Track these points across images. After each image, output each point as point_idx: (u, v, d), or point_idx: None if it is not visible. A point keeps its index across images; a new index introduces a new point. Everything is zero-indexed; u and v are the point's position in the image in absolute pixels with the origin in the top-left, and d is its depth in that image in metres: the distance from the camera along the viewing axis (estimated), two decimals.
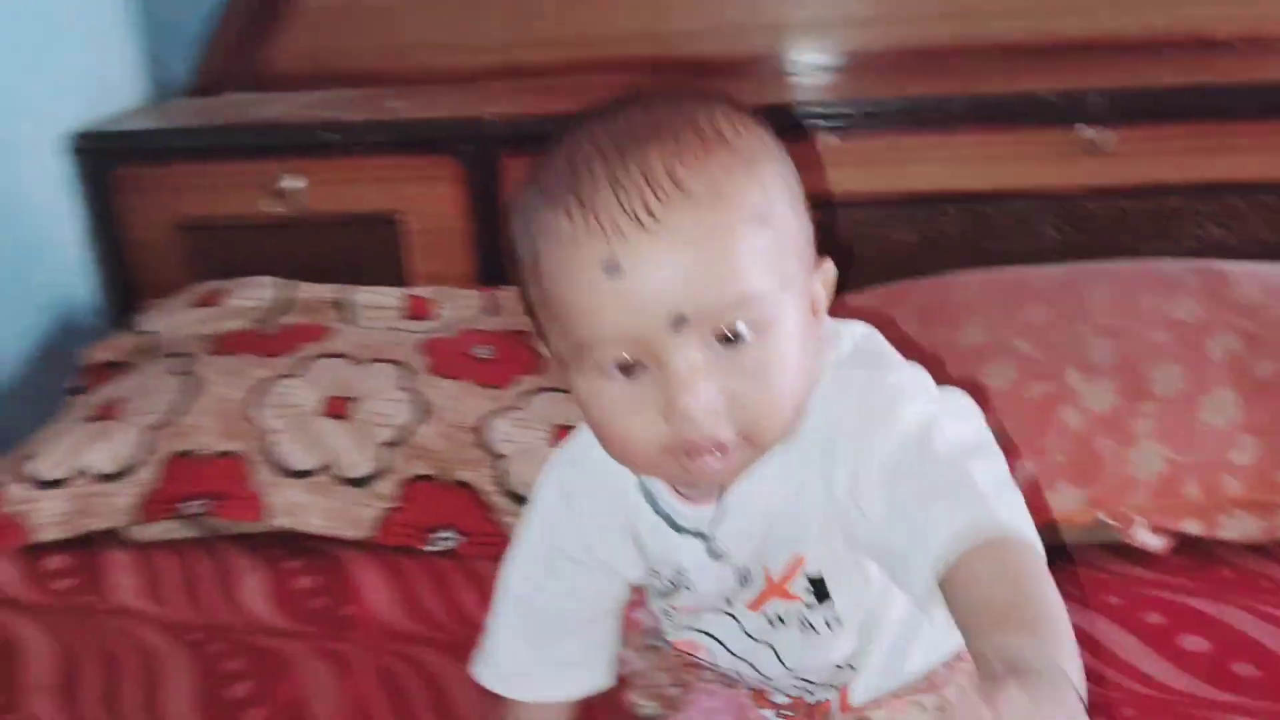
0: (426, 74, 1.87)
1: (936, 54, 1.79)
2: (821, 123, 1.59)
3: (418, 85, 1.85)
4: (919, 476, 0.69)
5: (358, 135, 1.67)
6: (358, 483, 1.33)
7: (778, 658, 0.86)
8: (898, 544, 0.68)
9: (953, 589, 0.63)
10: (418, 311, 1.61)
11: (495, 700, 0.94)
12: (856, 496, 0.71)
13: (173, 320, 1.60)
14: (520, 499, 1.29)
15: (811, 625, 0.83)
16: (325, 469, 1.33)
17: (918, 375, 0.76)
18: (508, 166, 1.65)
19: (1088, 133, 1.56)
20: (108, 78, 1.86)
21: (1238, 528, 1.22)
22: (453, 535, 1.30)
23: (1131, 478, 1.22)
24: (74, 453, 1.35)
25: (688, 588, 0.86)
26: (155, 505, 1.33)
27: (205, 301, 1.63)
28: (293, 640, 1.17)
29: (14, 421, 1.55)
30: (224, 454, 1.35)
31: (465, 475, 1.31)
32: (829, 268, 0.76)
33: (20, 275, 1.64)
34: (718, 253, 0.67)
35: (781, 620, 0.85)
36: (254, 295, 1.63)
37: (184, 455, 1.35)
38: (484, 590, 1.24)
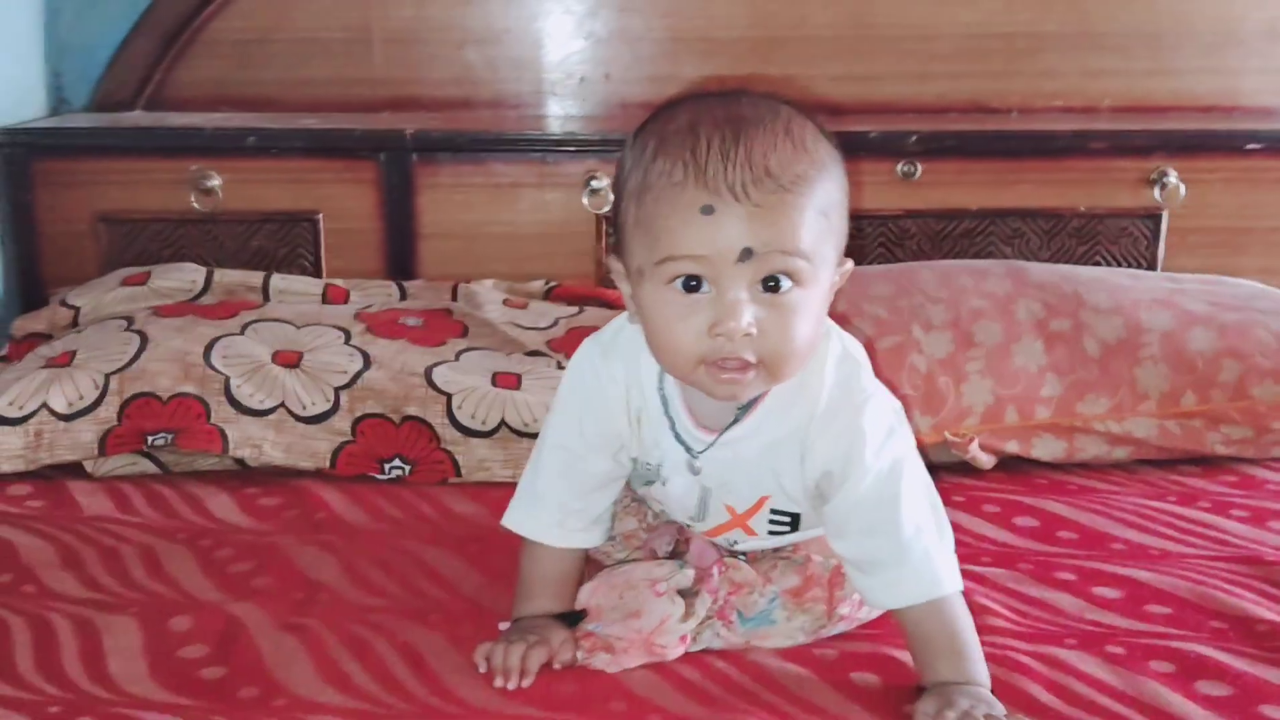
0: (323, 103, 2.05)
1: None
2: None
3: (319, 112, 2.03)
4: (887, 533, 0.98)
5: (281, 139, 1.84)
6: (313, 420, 1.47)
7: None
8: (860, 555, 1.01)
9: (903, 623, 1.01)
10: (335, 298, 1.78)
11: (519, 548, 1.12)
12: (825, 494, 1.00)
13: (100, 297, 1.70)
14: (467, 431, 1.47)
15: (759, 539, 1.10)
16: (281, 408, 1.48)
17: (883, 409, 1.03)
18: (418, 173, 1.86)
19: (903, 166, 1.92)
20: (12, 92, 1.95)
21: (1045, 448, 1.54)
22: (402, 464, 1.46)
23: (966, 407, 1.52)
24: (31, 394, 1.44)
25: (663, 484, 1.08)
26: (118, 440, 1.44)
27: (131, 282, 1.74)
28: (275, 537, 1.30)
29: None
30: (182, 395, 1.47)
31: (414, 411, 1.48)
32: (849, 266, 1.00)
33: None
34: (786, 221, 0.90)
35: (735, 544, 1.11)
36: (179, 277, 1.75)
37: (142, 396, 1.46)
38: (435, 503, 1.42)
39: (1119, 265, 1.91)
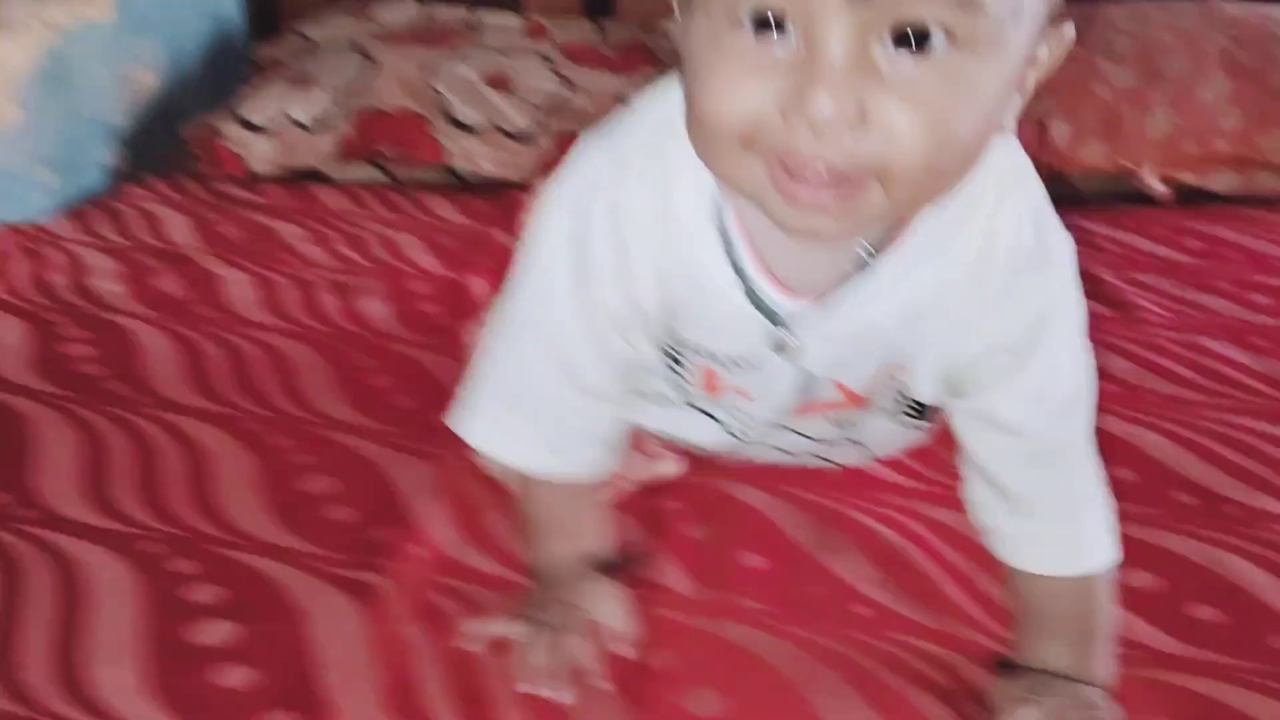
0: None
1: None
2: None
3: None
4: (1059, 466, 0.70)
5: None
6: (520, 137, 1.62)
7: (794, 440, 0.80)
8: (1014, 483, 0.70)
9: (1031, 589, 0.71)
10: (535, 33, 1.90)
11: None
12: (977, 388, 0.68)
13: (329, 28, 1.87)
14: None
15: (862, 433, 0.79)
16: (491, 125, 1.63)
17: (1069, 289, 0.68)
18: None
19: None
20: None
21: (1223, 181, 1.57)
22: None
23: (1146, 137, 1.56)
24: (278, 105, 1.63)
25: (737, 387, 0.74)
26: (351, 148, 1.62)
27: (355, 14, 1.90)
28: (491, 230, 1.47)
29: (186, 105, 1.83)
30: (406, 111, 1.63)
31: None
32: (1068, 31, 0.59)
33: None
34: None
35: (836, 424, 0.78)
36: (398, 11, 1.90)
37: (372, 111, 1.63)
38: None
39: None
